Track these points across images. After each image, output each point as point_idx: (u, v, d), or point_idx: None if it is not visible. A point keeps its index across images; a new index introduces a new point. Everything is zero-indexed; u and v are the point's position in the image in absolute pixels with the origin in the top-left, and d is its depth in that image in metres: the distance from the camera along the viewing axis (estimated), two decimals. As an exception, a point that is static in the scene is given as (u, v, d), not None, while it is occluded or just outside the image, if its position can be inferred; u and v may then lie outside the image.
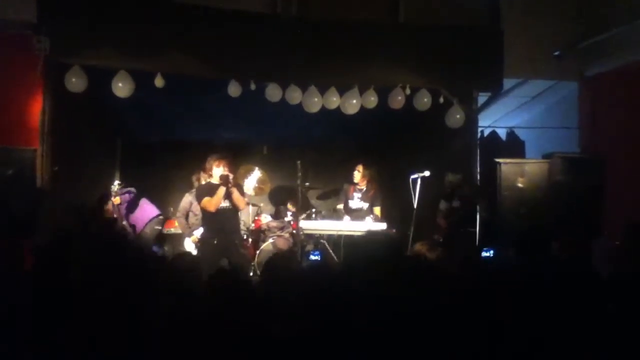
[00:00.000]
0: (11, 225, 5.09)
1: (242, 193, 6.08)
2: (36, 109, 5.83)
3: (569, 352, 2.57)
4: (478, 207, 6.84)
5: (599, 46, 6.91)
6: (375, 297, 2.60)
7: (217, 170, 5.77)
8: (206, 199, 5.77)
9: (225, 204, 5.82)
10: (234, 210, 5.90)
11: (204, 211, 5.90)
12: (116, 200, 6.49)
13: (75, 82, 5.82)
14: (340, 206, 7.06)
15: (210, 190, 5.82)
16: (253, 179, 6.96)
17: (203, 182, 6.59)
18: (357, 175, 6.94)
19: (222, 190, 5.69)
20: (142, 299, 2.68)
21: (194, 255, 5.43)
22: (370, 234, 2.90)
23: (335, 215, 7.33)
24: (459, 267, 3.62)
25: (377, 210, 6.91)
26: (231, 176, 5.73)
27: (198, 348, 2.41)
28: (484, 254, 4.47)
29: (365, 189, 6.98)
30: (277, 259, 3.35)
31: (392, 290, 2.62)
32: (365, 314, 2.52)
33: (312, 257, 6.52)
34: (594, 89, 7.26)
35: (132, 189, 6.86)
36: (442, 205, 6.75)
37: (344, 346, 2.35)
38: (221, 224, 5.84)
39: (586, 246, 5.71)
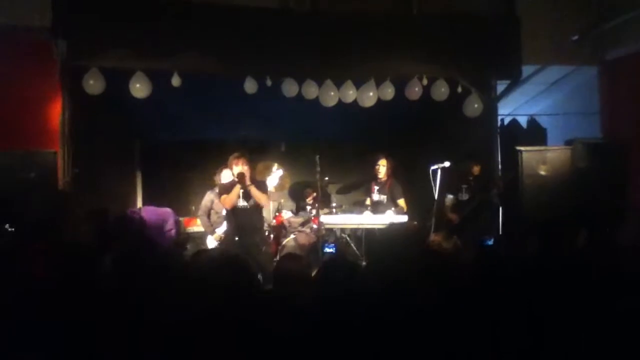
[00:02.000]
0: (33, 228, 5.14)
1: (265, 190, 6.11)
2: (56, 112, 5.89)
3: (585, 343, 2.53)
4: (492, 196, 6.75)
5: (619, 29, 6.79)
6: (392, 291, 2.58)
7: (237, 169, 5.83)
8: (223, 197, 5.91)
9: (243, 203, 5.88)
10: (254, 209, 5.95)
11: (225, 209, 6.01)
12: None
13: (93, 84, 5.87)
14: (369, 201, 7.03)
15: (231, 188, 5.89)
16: (275, 177, 6.97)
17: (218, 179, 6.69)
18: (383, 170, 6.89)
19: (237, 188, 5.76)
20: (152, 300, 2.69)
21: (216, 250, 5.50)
22: (391, 227, 2.88)
23: (356, 208, 7.30)
24: (474, 257, 3.59)
25: (401, 202, 6.85)
26: (247, 175, 5.77)
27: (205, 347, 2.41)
28: (487, 242, 4.46)
29: (383, 181, 6.95)
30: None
31: (410, 284, 2.60)
32: (380, 307, 2.51)
33: (327, 250, 6.56)
34: (615, 73, 7.13)
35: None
36: (448, 200, 6.68)
37: (360, 339, 2.33)
38: (241, 222, 5.93)
39: (612, 233, 5.62)
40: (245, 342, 2.30)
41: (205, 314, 2.36)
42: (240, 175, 5.76)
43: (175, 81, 6.05)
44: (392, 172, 6.95)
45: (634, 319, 2.51)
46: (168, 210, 7.17)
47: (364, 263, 6.28)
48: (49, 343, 2.39)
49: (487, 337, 2.43)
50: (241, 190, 5.86)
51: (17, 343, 2.40)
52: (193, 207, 7.54)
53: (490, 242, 4.15)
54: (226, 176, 6.58)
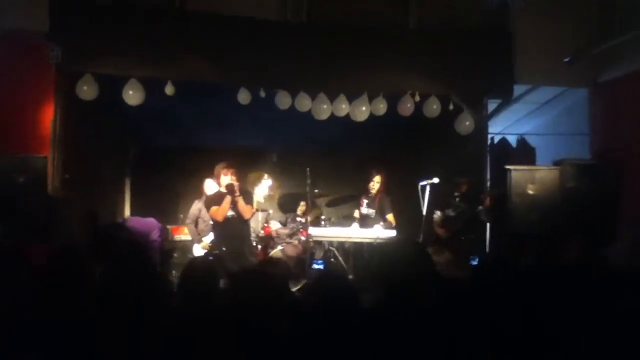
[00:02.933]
0: (23, 233, 5.12)
1: (251, 201, 6.12)
2: (48, 116, 5.88)
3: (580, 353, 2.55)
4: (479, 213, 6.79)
5: (611, 51, 6.85)
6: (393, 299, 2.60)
7: (225, 179, 5.84)
8: (214, 208, 5.87)
9: (232, 212, 5.88)
10: (241, 218, 5.94)
11: (212, 219, 5.98)
12: None
13: (87, 90, 5.88)
14: (357, 214, 7.06)
15: (219, 198, 5.88)
16: (265, 187, 6.97)
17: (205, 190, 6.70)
18: (377, 186, 6.92)
19: (228, 199, 5.76)
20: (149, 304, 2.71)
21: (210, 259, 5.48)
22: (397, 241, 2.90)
23: (344, 222, 7.33)
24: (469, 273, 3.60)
25: (390, 217, 6.88)
26: (237, 185, 5.79)
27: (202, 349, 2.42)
28: (471, 262, 4.48)
29: (373, 195, 6.98)
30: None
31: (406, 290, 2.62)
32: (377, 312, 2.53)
33: (316, 267, 6.56)
34: (605, 95, 7.19)
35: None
36: (437, 216, 6.71)
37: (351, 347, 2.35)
38: (229, 232, 5.92)
39: (600, 252, 5.65)
40: (245, 342, 2.32)
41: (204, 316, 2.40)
42: (230, 187, 5.77)
43: (169, 90, 6.07)
44: (383, 187, 6.98)
45: (631, 320, 2.54)
46: (153, 220, 7.17)
47: (351, 276, 6.31)
48: (49, 343, 2.40)
49: (483, 342, 2.45)
50: None
51: (17, 343, 2.41)
52: (181, 215, 7.53)
53: (475, 262, 4.17)
54: (210, 186, 6.59)
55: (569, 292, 2.81)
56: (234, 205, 5.84)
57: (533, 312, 2.67)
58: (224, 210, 5.82)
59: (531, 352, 2.52)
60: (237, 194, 5.79)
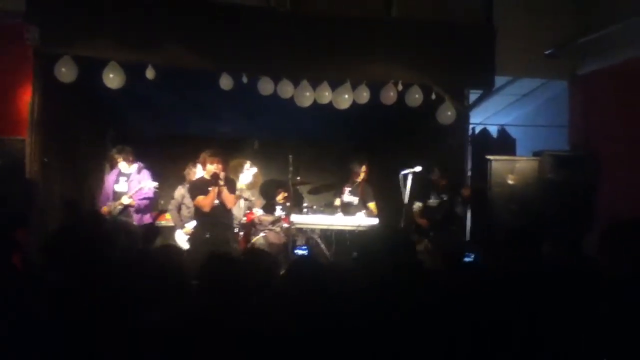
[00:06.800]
0: (1, 216, 5.02)
1: (235, 189, 6.11)
2: (26, 99, 5.76)
3: (563, 351, 2.58)
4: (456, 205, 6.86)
5: (590, 45, 6.95)
6: (376, 293, 2.60)
7: (210, 167, 5.82)
8: (200, 198, 5.85)
9: (217, 201, 5.86)
10: (225, 205, 5.93)
11: (197, 209, 5.95)
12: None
13: (66, 72, 5.74)
14: (338, 202, 7.05)
15: (203, 186, 5.85)
16: (248, 175, 6.92)
17: (189, 173, 6.62)
18: (363, 175, 6.94)
19: (214, 189, 5.75)
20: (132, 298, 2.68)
21: (178, 247, 5.44)
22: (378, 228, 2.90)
23: (327, 209, 7.33)
24: (446, 265, 3.62)
25: (372, 205, 6.92)
26: (222, 175, 5.77)
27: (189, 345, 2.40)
28: (466, 259, 4.49)
29: (356, 183, 6.99)
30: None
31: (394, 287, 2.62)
32: (363, 311, 2.52)
33: (299, 252, 6.55)
34: (584, 88, 7.31)
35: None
36: (416, 206, 6.77)
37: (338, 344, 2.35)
38: (214, 219, 5.91)
39: (577, 243, 5.75)
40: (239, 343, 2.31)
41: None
42: (215, 176, 5.75)
43: (150, 74, 5.96)
44: (366, 175, 7.01)
45: (612, 323, 2.58)
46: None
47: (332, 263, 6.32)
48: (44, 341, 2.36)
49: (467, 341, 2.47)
50: None
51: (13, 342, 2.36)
52: (162, 201, 7.46)
53: (471, 259, 4.15)
54: (200, 172, 6.52)
55: (554, 294, 2.83)
56: (218, 194, 5.82)
57: (515, 315, 2.69)
58: (211, 201, 5.80)
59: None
60: (222, 183, 5.77)
